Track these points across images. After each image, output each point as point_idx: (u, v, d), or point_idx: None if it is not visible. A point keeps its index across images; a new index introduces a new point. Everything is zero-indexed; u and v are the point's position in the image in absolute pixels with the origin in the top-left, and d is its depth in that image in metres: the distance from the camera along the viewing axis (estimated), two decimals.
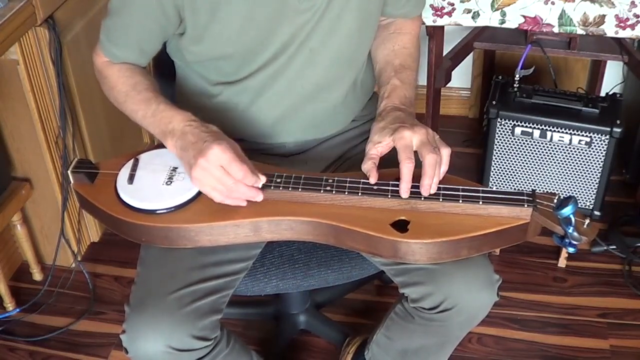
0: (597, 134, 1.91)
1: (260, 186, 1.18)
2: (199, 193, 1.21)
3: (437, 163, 1.16)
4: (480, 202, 1.15)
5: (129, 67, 1.33)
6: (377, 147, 1.22)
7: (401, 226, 1.15)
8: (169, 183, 1.23)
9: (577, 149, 1.95)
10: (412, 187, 1.18)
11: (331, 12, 1.28)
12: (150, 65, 1.40)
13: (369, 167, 1.20)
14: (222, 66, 1.33)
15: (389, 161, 1.33)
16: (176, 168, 1.25)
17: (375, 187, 1.18)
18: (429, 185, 1.16)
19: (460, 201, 1.16)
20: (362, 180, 1.19)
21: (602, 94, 2.15)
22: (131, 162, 1.27)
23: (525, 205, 1.15)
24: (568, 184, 2.02)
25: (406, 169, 1.15)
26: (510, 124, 1.97)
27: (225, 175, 1.15)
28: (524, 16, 1.89)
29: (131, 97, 1.29)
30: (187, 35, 1.29)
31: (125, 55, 1.33)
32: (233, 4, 1.22)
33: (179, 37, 1.31)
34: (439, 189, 1.16)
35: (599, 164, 1.96)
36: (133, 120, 1.31)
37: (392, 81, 1.34)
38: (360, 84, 1.45)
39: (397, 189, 1.18)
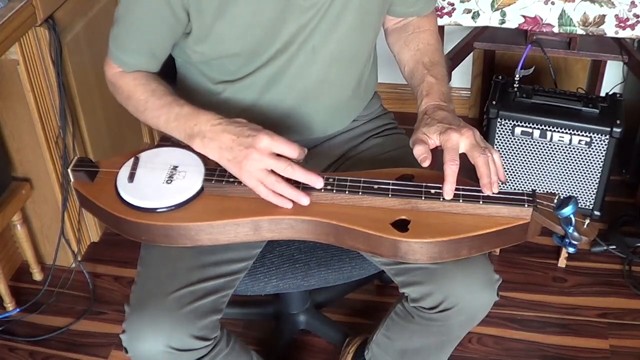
0: (597, 134, 1.91)
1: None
2: (200, 192, 1.21)
3: (491, 162, 1.16)
4: (481, 202, 1.15)
5: (143, 74, 1.32)
6: (425, 137, 1.20)
7: (402, 225, 1.15)
8: (169, 182, 1.23)
9: (577, 149, 1.95)
10: (415, 187, 1.18)
11: (333, 10, 1.27)
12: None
13: (423, 150, 1.17)
14: (225, 65, 1.33)
15: (401, 162, 1.33)
16: (176, 167, 1.25)
17: (375, 187, 1.18)
18: (489, 183, 1.15)
19: (461, 201, 1.16)
20: (362, 180, 1.19)
21: (602, 94, 2.15)
22: (131, 160, 1.27)
23: (526, 205, 1.15)
24: (568, 184, 2.02)
25: (450, 170, 1.15)
26: (510, 124, 1.97)
27: (278, 162, 1.15)
28: (524, 16, 1.89)
29: (151, 103, 1.28)
30: (192, 35, 1.28)
31: (137, 61, 1.31)
32: (239, 4, 1.22)
33: (183, 37, 1.31)
34: (439, 188, 1.16)
35: (599, 164, 1.96)
36: (154, 127, 1.29)
37: (427, 79, 1.33)
38: (363, 84, 1.45)
39: (398, 188, 1.18)
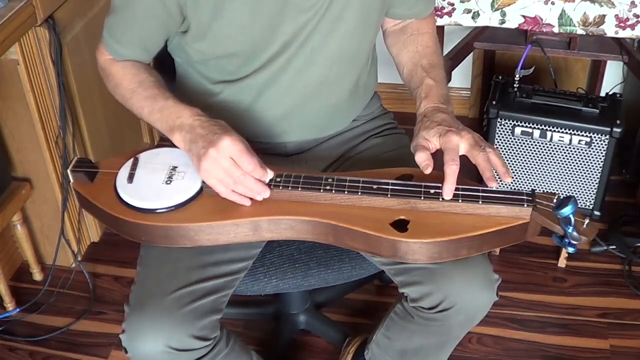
0: (597, 134, 1.91)
1: (267, 181, 1.19)
2: (199, 192, 1.21)
3: (492, 156, 1.17)
4: (480, 202, 1.15)
5: (134, 64, 1.33)
6: (426, 142, 1.21)
7: (401, 226, 1.15)
8: (168, 182, 1.23)
9: (577, 149, 1.95)
10: (414, 187, 1.18)
11: (333, 10, 1.28)
12: (150, 64, 1.40)
13: (425, 157, 1.18)
14: (224, 65, 1.33)
15: (401, 162, 1.33)
16: (176, 167, 1.25)
17: (374, 187, 1.18)
18: (492, 176, 1.15)
19: (460, 201, 1.16)
20: (361, 180, 1.19)
21: (602, 94, 2.15)
22: (131, 161, 1.27)
23: (525, 205, 1.15)
24: (568, 184, 2.02)
25: (450, 170, 1.15)
26: (510, 124, 1.97)
27: (233, 167, 1.15)
28: (524, 16, 1.89)
29: (138, 93, 1.29)
30: (190, 33, 1.29)
31: (128, 52, 1.32)
32: (236, 3, 1.22)
33: (181, 35, 1.31)
34: (438, 188, 1.16)
35: (599, 164, 1.96)
36: (138, 116, 1.30)
37: (426, 81, 1.33)
38: (363, 84, 1.45)
39: (397, 188, 1.18)
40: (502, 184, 1.19)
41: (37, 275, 2.08)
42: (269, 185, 1.19)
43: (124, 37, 1.31)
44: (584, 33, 1.88)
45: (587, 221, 1.13)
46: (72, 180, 1.28)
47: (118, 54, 1.33)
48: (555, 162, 1.99)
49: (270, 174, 1.19)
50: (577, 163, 1.97)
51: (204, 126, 1.19)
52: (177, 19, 1.26)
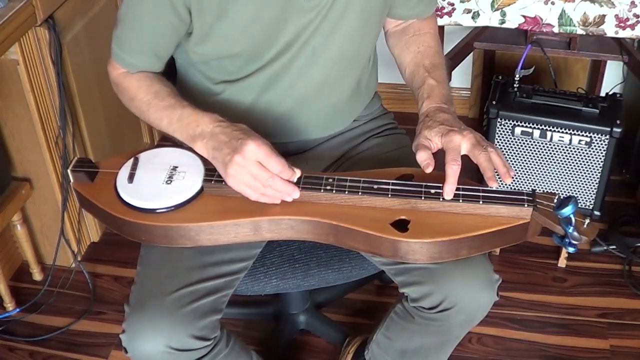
0: (597, 134, 1.91)
1: (295, 180, 1.18)
2: (200, 192, 1.21)
3: (493, 157, 1.17)
4: (481, 202, 1.15)
5: (147, 75, 1.32)
6: (428, 141, 1.21)
7: (401, 226, 1.15)
8: (169, 182, 1.23)
9: (577, 149, 1.95)
10: (415, 187, 1.18)
11: (335, 11, 1.28)
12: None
13: (426, 156, 1.18)
14: (225, 65, 1.33)
15: (401, 162, 1.33)
16: (176, 167, 1.25)
17: (375, 187, 1.18)
18: (493, 176, 1.16)
19: (461, 201, 1.16)
20: (362, 180, 1.19)
21: (602, 94, 2.15)
22: (131, 161, 1.27)
23: (525, 205, 1.15)
24: (568, 184, 2.02)
25: (451, 170, 1.15)
26: (510, 124, 1.97)
27: (261, 171, 1.15)
28: (524, 16, 1.89)
29: (154, 105, 1.28)
30: (193, 35, 1.28)
31: (140, 62, 1.31)
32: (240, 4, 1.22)
33: (185, 37, 1.31)
34: (439, 188, 1.16)
35: (599, 164, 1.96)
36: (157, 127, 1.30)
37: (428, 81, 1.34)
38: (364, 84, 1.45)
39: (397, 188, 1.18)
40: (502, 184, 1.19)
41: (37, 275, 2.08)
42: (297, 184, 1.19)
43: (134, 47, 1.30)
44: (584, 33, 1.88)
45: (587, 221, 1.13)
46: (72, 180, 1.28)
47: (130, 65, 1.32)
48: (555, 162, 1.99)
49: (298, 173, 1.18)
50: (577, 163, 1.97)
51: (225, 132, 1.19)
52: (186, 20, 1.26)
